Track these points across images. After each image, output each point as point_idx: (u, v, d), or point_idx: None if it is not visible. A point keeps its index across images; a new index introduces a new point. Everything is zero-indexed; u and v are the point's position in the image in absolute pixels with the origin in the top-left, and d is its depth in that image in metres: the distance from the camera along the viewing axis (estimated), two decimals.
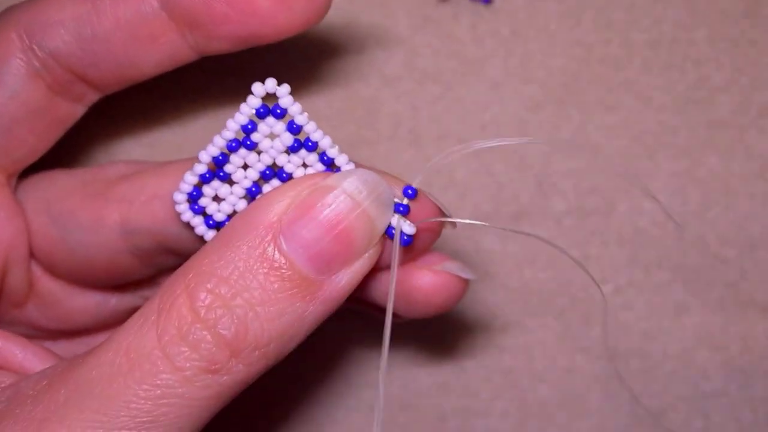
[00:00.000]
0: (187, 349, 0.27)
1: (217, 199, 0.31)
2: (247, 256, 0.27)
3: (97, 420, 0.26)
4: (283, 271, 0.27)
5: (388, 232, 0.30)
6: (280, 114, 0.29)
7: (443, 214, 0.31)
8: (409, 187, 0.30)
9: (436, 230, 0.32)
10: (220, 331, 0.27)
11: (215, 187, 0.31)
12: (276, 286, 0.27)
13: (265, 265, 0.27)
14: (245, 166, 0.30)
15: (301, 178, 0.29)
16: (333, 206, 0.27)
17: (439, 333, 0.42)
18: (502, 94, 0.42)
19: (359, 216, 0.28)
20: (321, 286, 0.28)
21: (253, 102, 0.29)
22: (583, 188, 0.41)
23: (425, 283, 0.32)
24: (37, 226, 0.34)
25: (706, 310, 0.41)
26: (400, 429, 0.41)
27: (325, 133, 0.30)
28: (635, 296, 0.41)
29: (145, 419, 0.26)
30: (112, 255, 0.34)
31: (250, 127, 0.30)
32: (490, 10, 0.42)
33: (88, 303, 0.36)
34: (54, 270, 0.35)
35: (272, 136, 0.30)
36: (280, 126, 0.30)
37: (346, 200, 0.28)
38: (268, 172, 0.30)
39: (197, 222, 0.31)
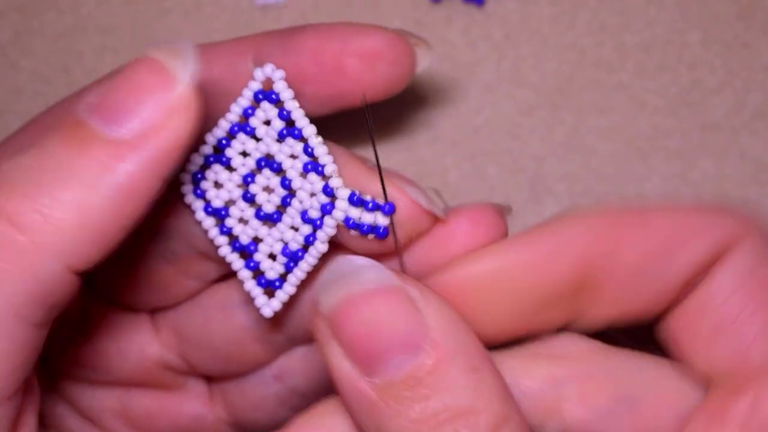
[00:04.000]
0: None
1: (216, 185, 0.31)
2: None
3: None
4: (77, 129, 0.26)
5: (377, 233, 0.30)
6: (275, 100, 0.30)
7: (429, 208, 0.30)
8: (387, 204, 0.29)
9: (419, 221, 0.30)
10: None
11: (216, 171, 0.31)
12: (74, 152, 0.26)
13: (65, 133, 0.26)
14: (244, 154, 0.31)
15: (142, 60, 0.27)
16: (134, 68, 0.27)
17: None
18: (494, 97, 0.42)
19: (147, 64, 0.26)
20: (121, 145, 0.26)
21: (253, 86, 0.30)
22: (576, 191, 0.41)
23: None
24: None
25: None
26: None
27: (311, 122, 0.30)
28: None
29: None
30: (147, 262, 0.33)
31: (250, 111, 0.30)
32: (482, 13, 0.42)
33: (132, 327, 0.35)
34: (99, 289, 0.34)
35: (267, 122, 0.30)
36: (273, 111, 0.30)
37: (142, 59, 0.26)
38: (263, 162, 0.30)
39: (198, 206, 0.31)
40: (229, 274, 0.33)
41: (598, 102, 0.42)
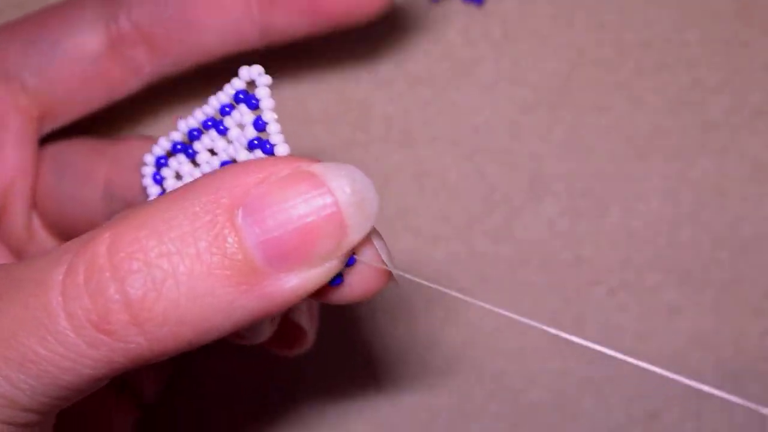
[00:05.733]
0: (85, 294, 0.23)
1: (177, 176, 0.30)
2: (194, 218, 0.23)
3: None
4: (228, 246, 0.23)
5: (332, 282, 0.26)
6: (254, 105, 0.28)
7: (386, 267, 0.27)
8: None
9: (376, 286, 0.27)
10: (128, 287, 0.23)
11: (180, 161, 0.30)
12: (214, 260, 0.23)
13: (211, 233, 0.23)
14: (212, 152, 0.29)
15: (287, 156, 0.26)
16: (308, 196, 0.24)
17: (431, 334, 0.42)
18: (494, 96, 0.42)
19: (334, 217, 0.24)
20: (264, 278, 0.24)
21: (237, 84, 0.28)
22: (576, 190, 0.41)
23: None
24: (41, 170, 0.34)
25: (699, 312, 0.41)
26: (394, 431, 0.41)
27: (285, 140, 0.28)
28: (628, 298, 0.41)
29: (26, 355, 0.23)
30: (93, 217, 0.33)
31: (227, 109, 0.29)
32: (481, 12, 0.43)
33: None
34: (46, 221, 0.34)
35: (241, 126, 0.29)
36: (250, 117, 0.28)
37: (325, 195, 0.24)
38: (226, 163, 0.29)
39: (154, 191, 0.30)
40: None
41: (597, 101, 0.42)
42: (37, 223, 0.35)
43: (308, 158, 0.25)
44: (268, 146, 0.27)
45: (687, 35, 0.42)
